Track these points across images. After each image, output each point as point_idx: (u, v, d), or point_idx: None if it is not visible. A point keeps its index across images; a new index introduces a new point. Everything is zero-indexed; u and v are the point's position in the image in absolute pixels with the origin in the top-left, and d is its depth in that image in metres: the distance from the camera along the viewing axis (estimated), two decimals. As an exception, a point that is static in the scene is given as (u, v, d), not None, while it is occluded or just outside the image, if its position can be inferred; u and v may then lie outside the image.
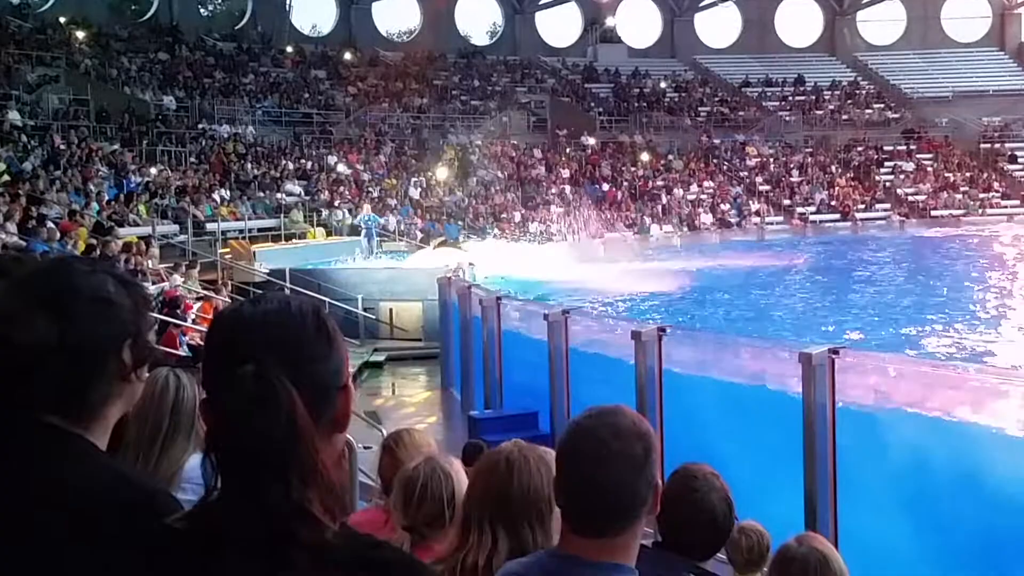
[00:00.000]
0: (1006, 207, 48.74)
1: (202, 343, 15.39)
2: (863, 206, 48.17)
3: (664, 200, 44.58)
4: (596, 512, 2.01)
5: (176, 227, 25.63)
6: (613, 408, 2.10)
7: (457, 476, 3.03)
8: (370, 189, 37.42)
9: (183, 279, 18.54)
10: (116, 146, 31.15)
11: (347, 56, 50.22)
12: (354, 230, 32.95)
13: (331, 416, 1.62)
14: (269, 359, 1.54)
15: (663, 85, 55.95)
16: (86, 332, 1.73)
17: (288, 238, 29.34)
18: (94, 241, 18.56)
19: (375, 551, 1.61)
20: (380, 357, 18.96)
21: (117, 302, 1.78)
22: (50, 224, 18.62)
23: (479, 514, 2.58)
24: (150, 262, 19.16)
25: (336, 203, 34.31)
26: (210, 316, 17.41)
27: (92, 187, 25.15)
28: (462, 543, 2.59)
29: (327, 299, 20.36)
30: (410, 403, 15.82)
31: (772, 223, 45.52)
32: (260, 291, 21.32)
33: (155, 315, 14.07)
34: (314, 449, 1.54)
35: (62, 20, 42.65)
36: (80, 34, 41.63)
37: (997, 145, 52.95)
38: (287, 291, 19.91)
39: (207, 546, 1.54)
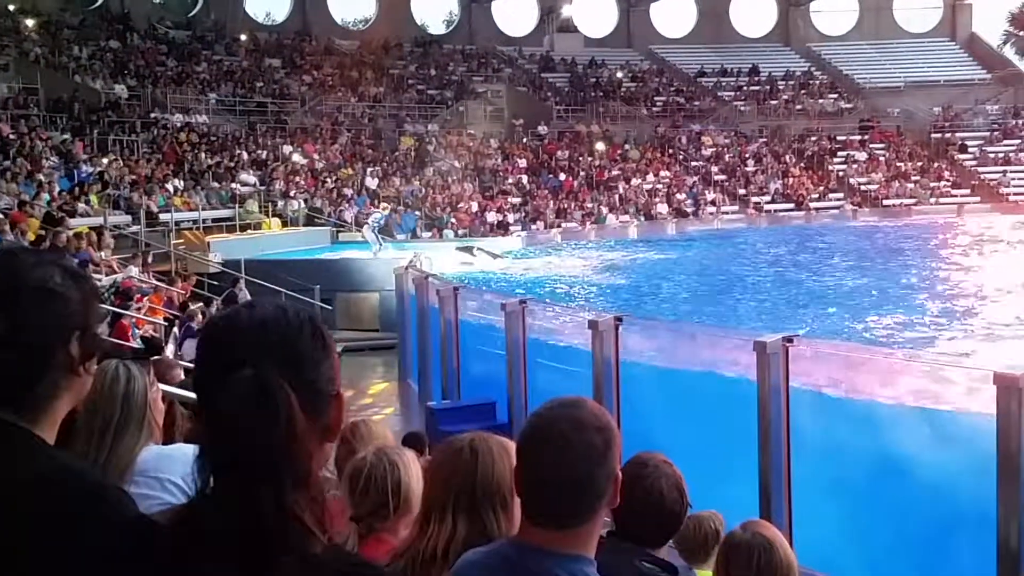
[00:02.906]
0: (956, 196, 49.43)
1: (155, 334, 15.24)
2: (817, 195, 48.65)
3: (621, 190, 44.74)
4: (556, 504, 2.01)
5: (128, 217, 25.34)
6: (574, 400, 2.10)
7: (405, 467, 3.02)
8: (326, 179, 37.21)
9: (139, 270, 18.35)
10: (67, 136, 30.73)
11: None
12: (310, 220, 32.80)
13: (324, 423, 1.63)
14: (267, 364, 1.54)
15: (619, 75, 56.10)
16: (32, 325, 1.70)
17: (243, 228, 29.12)
18: (44, 232, 18.31)
19: (362, 570, 1.62)
20: (337, 348, 18.82)
21: (65, 294, 1.75)
22: (-1, 215, 18.36)
23: (441, 502, 2.58)
24: (103, 253, 18.95)
25: (292, 193, 34.10)
26: (160, 307, 17.25)
27: (42, 177, 24.80)
28: (422, 531, 2.59)
29: (283, 290, 20.26)
30: (367, 394, 15.76)
31: (727, 212, 45.86)
32: (215, 283, 21.17)
33: (106, 307, 13.92)
34: (308, 455, 1.55)
35: (11, 8, 41.90)
36: (30, 22, 40.96)
37: (948, 135, 53.67)
38: (243, 282, 19.77)
39: (191, 545, 1.53)
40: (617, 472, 2.06)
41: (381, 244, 26.96)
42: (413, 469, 3.06)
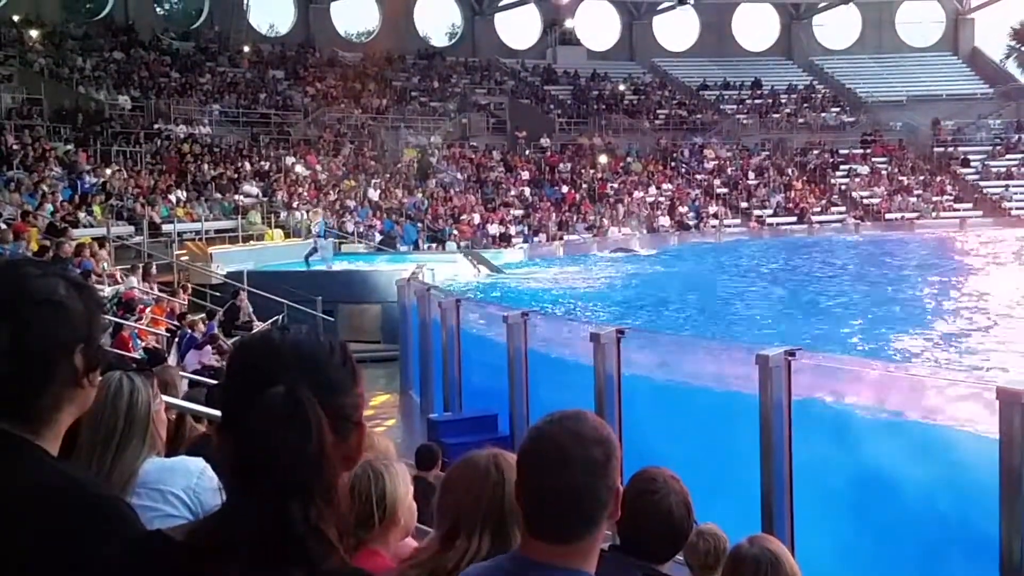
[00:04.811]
0: (959, 210, 49.46)
1: (157, 345, 15.24)
2: (819, 209, 48.70)
3: (624, 202, 44.78)
4: (556, 518, 2.00)
5: (131, 228, 25.36)
6: (574, 413, 2.09)
7: (392, 478, 3.01)
8: (329, 191, 37.25)
9: (141, 281, 18.34)
10: (70, 146, 30.77)
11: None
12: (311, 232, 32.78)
13: (344, 450, 1.64)
14: (299, 383, 1.57)
15: (622, 87, 56.21)
16: (36, 337, 1.71)
17: (246, 239, 29.12)
18: (47, 242, 18.31)
19: None
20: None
21: (69, 306, 1.75)
22: (2, 225, 18.37)
23: (471, 519, 2.61)
24: (104, 264, 18.95)
25: (294, 204, 34.13)
26: (162, 318, 17.24)
27: (45, 187, 24.82)
28: (446, 547, 2.60)
29: (286, 301, 20.27)
30: (369, 406, 15.71)
31: (729, 226, 45.89)
32: (218, 294, 21.19)
33: (109, 318, 13.92)
34: (336, 471, 1.58)
35: (15, 19, 42.03)
36: (34, 33, 41.05)
37: (950, 149, 53.71)
38: (243, 293, 19.76)
39: (206, 559, 1.54)
40: (618, 485, 2.05)
41: (318, 253, 26.60)
42: (400, 480, 3.04)
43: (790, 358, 6.77)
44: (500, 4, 59.08)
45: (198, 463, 3.05)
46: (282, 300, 20.22)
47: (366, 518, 2.95)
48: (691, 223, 45.28)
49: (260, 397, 1.55)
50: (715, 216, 46.24)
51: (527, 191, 43.76)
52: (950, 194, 50.85)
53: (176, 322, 16.79)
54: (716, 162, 50.48)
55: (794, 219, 47.39)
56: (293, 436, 1.53)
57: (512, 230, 39.36)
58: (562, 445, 2.01)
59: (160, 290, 19.45)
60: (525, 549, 2.07)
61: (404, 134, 44.77)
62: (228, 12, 51.14)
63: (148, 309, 17.20)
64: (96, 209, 25.32)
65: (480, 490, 2.62)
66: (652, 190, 46.78)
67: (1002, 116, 56.12)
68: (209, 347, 14.88)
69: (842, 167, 51.96)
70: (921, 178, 51.77)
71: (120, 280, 18.32)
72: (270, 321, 17.90)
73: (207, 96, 42.45)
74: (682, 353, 9.49)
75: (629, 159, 48.89)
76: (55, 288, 1.76)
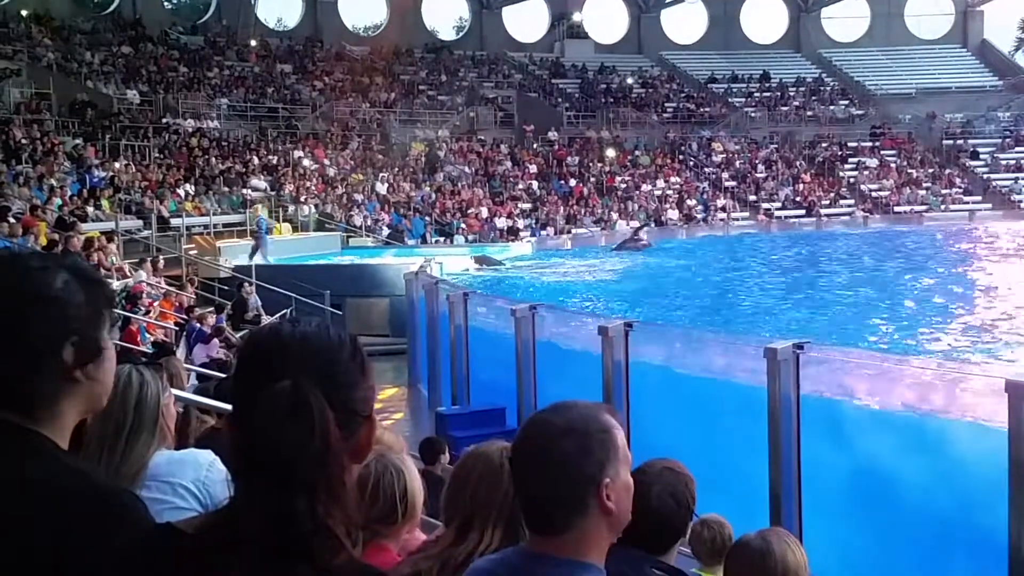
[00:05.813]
0: (968, 203, 49.32)
1: (165, 339, 15.28)
2: (827, 202, 48.59)
3: (633, 195, 44.74)
4: (541, 508, 2.00)
5: (140, 222, 25.42)
6: (561, 404, 2.09)
7: (409, 473, 3.03)
8: (336, 184, 37.28)
9: (150, 275, 18.38)
10: (79, 140, 30.83)
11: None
12: (320, 225, 32.83)
13: (353, 444, 1.63)
14: (305, 377, 1.56)
15: (630, 81, 56.13)
16: (19, 331, 1.71)
17: (254, 233, 29.12)
18: (56, 236, 18.35)
19: None
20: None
21: (63, 299, 1.74)
22: (11, 219, 18.41)
23: (483, 512, 2.64)
24: (113, 258, 19.00)
25: (302, 198, 34.16)
26: (171, 312, 17.28)
27: (54, 182, 24.88)
28: (459, 540, 2.62)
29: (294, 295, 20.31)
30: (377, 399, 15.71)
31: (738, 219, 45.84)
32: (226, 287, 21.24)
33: (117, 311, 13.94)
34: (342, 467, 1.56)
35: (24, 13, 42.10)
36: (42, 27, 41.12)
37: (959, 142, 53.54)
38: (251, 288, 19.80)
39: (213, 553, 1.54)
40: (603, 478, 2.00)
41: (265, 256, 26.11)
42: (415, 475, 3.07)
43: (798, 351, 6.76)
44: (508, -3, 59.08)
45: (207, 455, 3.06)
46: (290, 294, 20.27)
47: (388, 514, 2.96)
48: (699, 216, 45.23)
49: (265, 392, 1.55)
50: (723, 209, 46.18)
51: (535, 185, 43.72)
52: (959, 187, 50.71)
53: (184, 315, 16.82)
54: (724, 155, 50.39)
55: (802, 212, 47.30)
56: (296, 432, 1.52)
57: (520, 223, 39.35)
58: (545, 435, 2.00)
59: (168, 284, 19.50)
60: (531, 542, 2.08)
61: (412, 128, 44.76)
62: (236, 6, 51.20)
63: (156, 303, 17.24)
64: (105, 203, 25.38)
65: (494, 484, 2.65)
66: (660, 183, 46.72)
67: (1011, 108, 55.90)
68: (216, 340, 14.91)
69: (851, 160, 51.83)
70: (930, 171, 51.64)
71: (128, 274, 18.36)
72: (278, 315, 17.93)
73: (215, 90, 42.48)
74: (691, 346, 9.49)
75: (637, 152, 48.83)
76: (49, 282, 1.75)
